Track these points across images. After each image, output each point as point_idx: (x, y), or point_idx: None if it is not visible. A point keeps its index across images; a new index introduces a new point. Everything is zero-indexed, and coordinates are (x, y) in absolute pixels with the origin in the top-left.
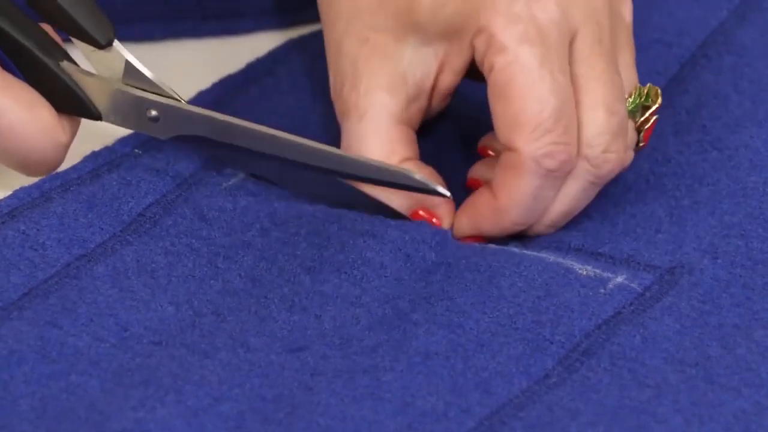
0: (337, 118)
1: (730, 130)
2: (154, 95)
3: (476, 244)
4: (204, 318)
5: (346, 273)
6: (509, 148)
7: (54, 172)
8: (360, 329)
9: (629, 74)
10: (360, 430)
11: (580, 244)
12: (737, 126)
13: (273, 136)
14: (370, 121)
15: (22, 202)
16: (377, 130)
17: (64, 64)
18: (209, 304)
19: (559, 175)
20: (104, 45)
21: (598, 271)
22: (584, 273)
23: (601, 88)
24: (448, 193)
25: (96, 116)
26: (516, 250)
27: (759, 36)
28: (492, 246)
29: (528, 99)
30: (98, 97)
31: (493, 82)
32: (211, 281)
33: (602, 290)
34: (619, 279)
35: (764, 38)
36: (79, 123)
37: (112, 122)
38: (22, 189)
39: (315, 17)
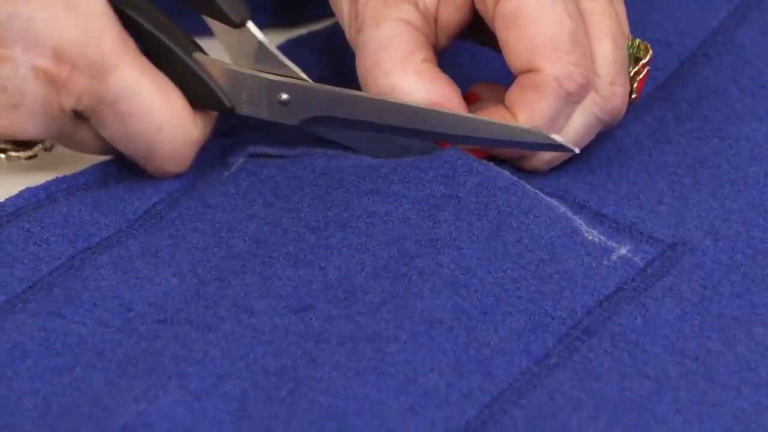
0: (351, 43)
1: (730, 122)
2: (285, 78)
3: (489, 173)
4: (208, 286)
5: (351, 227)
6: (530, 69)
7: (61, 176)
8: (365, 277)
9: (624, 22)
10: (362, 410)
11: (584, 200)
12: (738, 119)
13: (410, 108)
14: (387, 27)
15: (27, 202)
16: (396, 34)
17: (197, 55)
18: (213, 270)
19: (574, 101)
20: (239, 24)
21: (603, 238)
22: (590, 238)
23: (607, 21)
24: (577, 150)
25: (228, 108)
26: (529, 188)
27: (759, 36)
28: (504, 178)
29: (545, 22)
30: (230, 88)
31: (502, 11)
32: (215, 249)
33: (605, 261)
34: (623, 251)
35: (764, 38)
36: (213, 122)
37: (245, 113)
38: (28, 189)
39: (314, 17)
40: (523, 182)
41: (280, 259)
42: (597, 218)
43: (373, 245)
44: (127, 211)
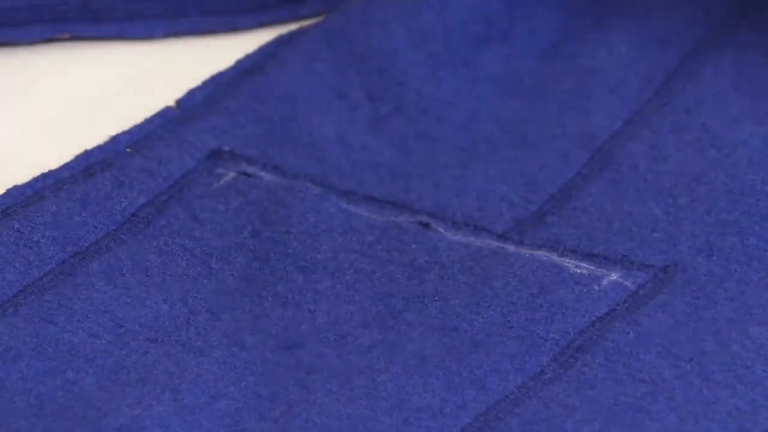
0: None
1: (728, 127)
2: None
3: (471, 246)
4: (198, 316)
5: (338, 277)
6: None
7: (47, 171)
8: (354, 326)
9: None
10: (356, 427)
11: (575, 245)
12: (736, 123)
13: None
14: None
15: (15, 200)
16: None
17: None
18: (203, 303)
19: None
20: None
21: (592, 268)
22: (579, 271)
23: None
24: None
25: None
26: (511, 248)
27: (759, 35)
28: (487, 248)
29: None
30: None
31: None
32: (205, 281)
33: (596, 287)
34: (613, 276)
35: (764, 38)
36: None
37: None
38: (15, 187)
39: (315, 12)
40: (508, 244)
41: (269, 298)
42: (587, 257)
43: (360, 299)
44: (115, 212)
